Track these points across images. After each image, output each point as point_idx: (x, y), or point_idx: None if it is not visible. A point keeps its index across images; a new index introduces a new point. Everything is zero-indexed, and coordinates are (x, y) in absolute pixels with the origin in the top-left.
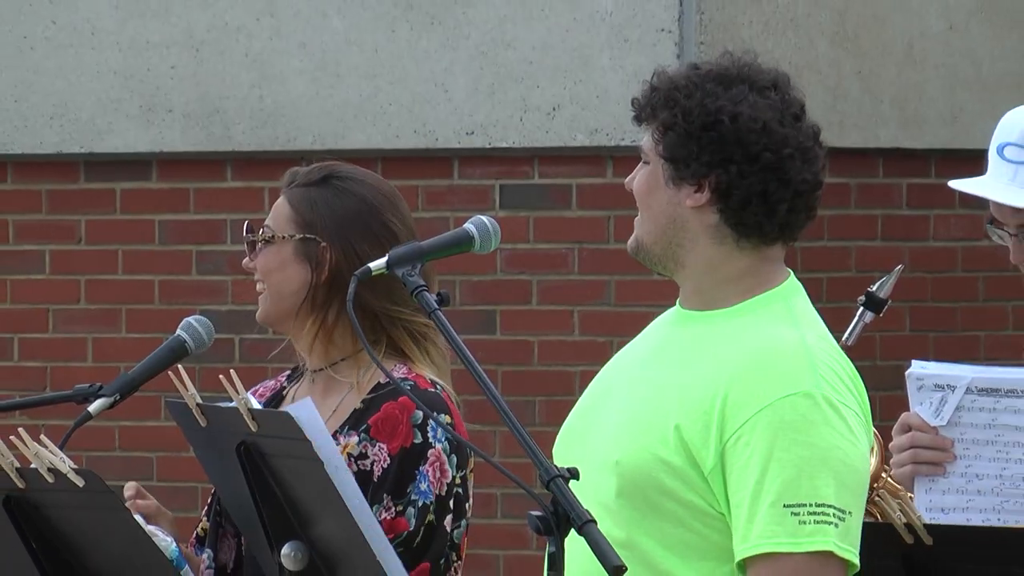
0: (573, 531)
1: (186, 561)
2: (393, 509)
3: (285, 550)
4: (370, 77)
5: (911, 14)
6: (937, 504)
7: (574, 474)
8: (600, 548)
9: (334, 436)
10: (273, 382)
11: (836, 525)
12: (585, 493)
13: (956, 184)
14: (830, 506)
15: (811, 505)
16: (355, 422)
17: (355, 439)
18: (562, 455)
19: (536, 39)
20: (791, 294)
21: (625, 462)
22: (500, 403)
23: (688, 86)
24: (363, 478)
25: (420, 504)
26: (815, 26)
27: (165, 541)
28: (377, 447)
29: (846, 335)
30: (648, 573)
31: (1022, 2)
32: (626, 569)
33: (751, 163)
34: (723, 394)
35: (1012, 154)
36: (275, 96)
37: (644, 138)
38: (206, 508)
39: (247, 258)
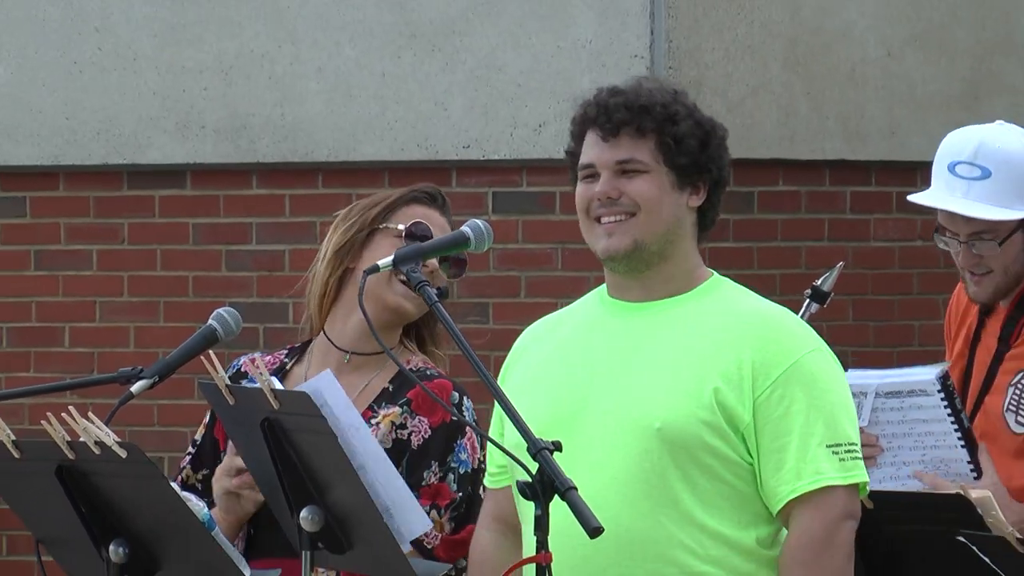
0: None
1: (216, 524)
2: (438, 474)
3: (304, 513)
4: (378, 98)
5: (854, 42)
6: (877, 489)
7: (558, 447)
8: (580, 511)
9: (372, 407)
10: (271, 357)
11: (860, 458)
12: (604, 469)
13: (916, 198)
14: (853, 443)
15: (846, 444)
16: (391, 397)
17: (397, 410)
18: (557, 434)
19: (524, 64)
20: (729, 282)
21: (668, 428)
22: (492, 384)
23: (678, 106)
24: (400, 446)
25: (461, 472)
26: (769, 52)
27: (197, 506)
28: (417, 419)
29: (802, 311)
30: (684, 524)
31: (949, 32)
32: (603, 530)
33: (723, 171)
34: (749, 358)
35: (964, 171)
36: (295, 114)
37: (632, 148)
38: (190, 458)
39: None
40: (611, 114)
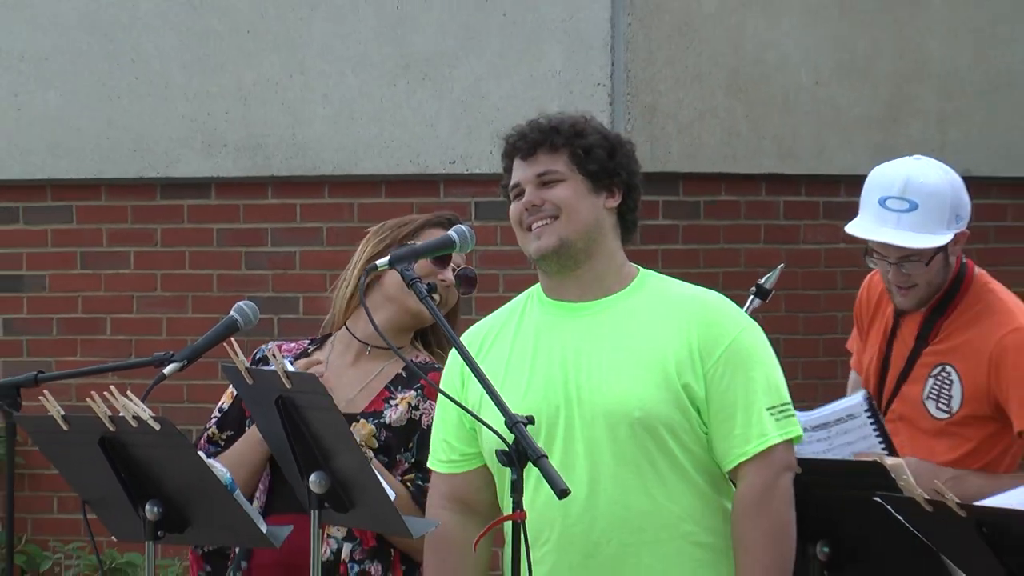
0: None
1: (237, 486)
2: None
3: (312, 478)
4: (377, 120)
5: (788, 72)
6: (807, 457)
7: (531, 420)
8: (550, 476)
9: (389, 388)
10: (295, 344)
11: (792, 415)
12: (590, 450)
13: (852, 229)
14: (787, 403)
15: (780, 405)
16: (406, 382)
17: (412, 394)
18: (543, 433)
19: (503, 92)
20: (654, 274)
21: (647, 415)
22: (475, 366)
23: (585, 125)
24: (412, 425)
25: None
26: (715, 81)
27: (221, 471)
28: (428, 403)
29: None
30: (673, 496)
31: (871, 63)
32: (569, 492)
33: (633, 176)
34: (696, 340)
35: (894, 205)
36: (304, 134)
37: (548, 162)
38: (216, 420)
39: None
40: (527, 138)
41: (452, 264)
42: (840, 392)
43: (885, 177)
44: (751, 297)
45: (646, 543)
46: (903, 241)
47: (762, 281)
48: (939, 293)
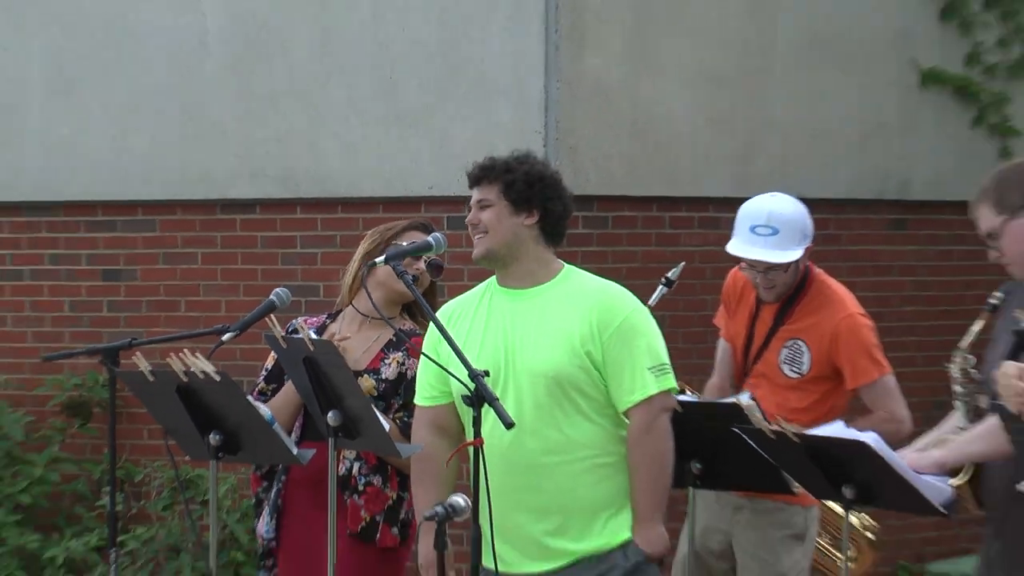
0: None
1: (276, 422)
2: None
3: (330, 415)
4: (377, 157)
5: (673, 122)
6: (684, 400)
7: (487, 373)
8: (500, 413)
9: (384, 350)
10: (317, 319)
11: (669, 372)
12: (518, 397)
13: (732, 250)
14: (665, 364)
15: (659, 365)
16: (396, 346)
17: (400, 355)
18: (493, 383)
19: (467, 136)
20: (576, 270)
21: (558, 374)
22: (445, 333)
23: (515, 163)
24: (401, 377)
25: None
26: (621, 129)
27: (264, 411)
28: (411, 361)
29: (651, 301)
30: (580, 430)
31: (731, 116)
32: (514, 424)
33: (555, 201)
34: (595, 319)
35: (761, 231)
36: (322, 167)
37: (485, 192)
38: (264, 377)
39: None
40: (474, 173)
41: (424, 257)
42: (707, 350)
43: (753, 210)
44: (660, 286)
45: (559, 463)
46: (769, 258)
47: (669, 274)
48: (791, 289)
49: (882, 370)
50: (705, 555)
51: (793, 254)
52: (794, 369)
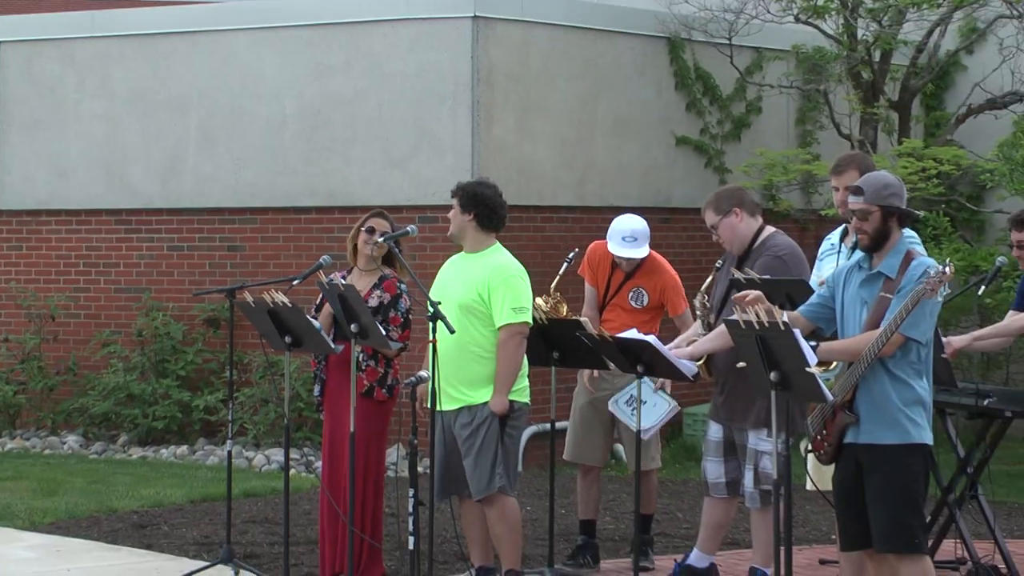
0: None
1: (322, 328)
2: (393, 312)
3: (352, 326)
4: (378, 184)
5: (538, 166)
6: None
7: (441, 302)
8: (447, 326)
9: (371, 289)
10: (343, 273)
11: (525, 312)
12: (451, 315)
13: (613, 251)
14: (524, 306)
15: (520, 307)
16: (376, 286)
17: (378, 291)
18: (443, 306)
19: (430, 173)
20: (500, 248)
21: (465, 304)
22: (418, 282)
23: (472, 188)
24: (380, 304)
25: (402, 311)
26: (511, 170)
27: (315, 323)
28: (385, 294)
29: (556, 280)
30: (478, 335)
31: (573, 159)
32: (454, 331)
33: (477, 207)
34: (489, 277)
35: (628, 240)
36: (349, 189)
37: (455, 203)
38: (315, 306)
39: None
40: (453, 191)
41: (378, 234)
42: (576, 287)
43: (621, 226)
44: (565, 263)
45: (463, 356)
46: (636, 255)
47: (571, 256)
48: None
49: (685, 306)
50: (598, 404)
51: (645, 251)
52: (637, 304)
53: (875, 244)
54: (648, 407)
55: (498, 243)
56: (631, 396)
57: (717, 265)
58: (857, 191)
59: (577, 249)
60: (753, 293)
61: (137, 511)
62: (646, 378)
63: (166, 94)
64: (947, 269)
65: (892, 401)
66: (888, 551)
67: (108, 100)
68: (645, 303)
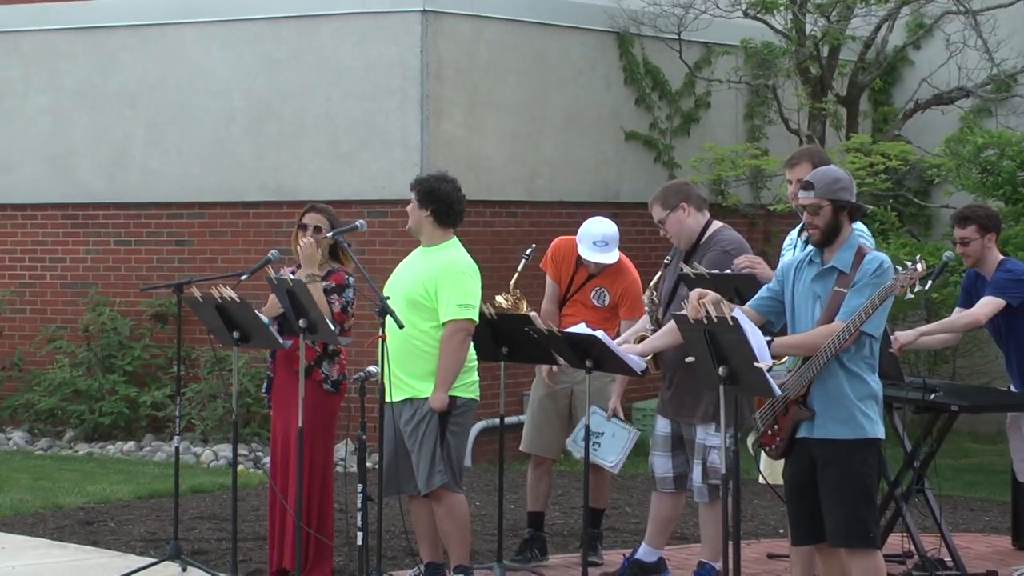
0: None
1: (270, 322)
2: (338, 303)
3: (301, 321)
4: (328, 178)
5: (492, 161)
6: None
7: (390, 296)
8: (396, 319)
9: (322, 280)
10: (292, 268)
11: (471, 308)
12: (398, 308)
13: (584, 255)
14: (471, 303)
15: (466, 304)
16: (325, 277)
17: (326, 282)
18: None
19: (379, 168)
20: (456, 243)
21: (411, 297)
22: (367, 276)
23: (427, 183)
24: (326, 291)
25: (347, 299)
26: (462, 166)
27: (263, 318)
28: (335, 285)
29: (515, 277)
30: (421, 326)
31: (521, 155)
32: (403, 326)
33: (438, 203)
34: (437, 272)
35: (599, 244)
36: (298, 183)
37: (413, 198)
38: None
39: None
40: (412, 184)
41: (311, 229)
42: (506, 272)
43: (593, 230)
44: (523, 260)
45: (409, 348)
46: (606, 260)
47: (527, 252)
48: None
49: (642, 312)
50: (556, 396)
51: (615, 255)
52: (599, 303)
53: (826, 239)
54: (608, 438)
55: (455, 238)
56: (584, 429)
57: (665, 261)
58: (807, 186)
59: (535, 245)
60: (713, 295)
61: (83, 508)
62: (595, 408)
63: (113, 88)
64: (918, 267)
65: (847, 396)
66: (843, 545)
67: (55, 94)
68: (606, 303)
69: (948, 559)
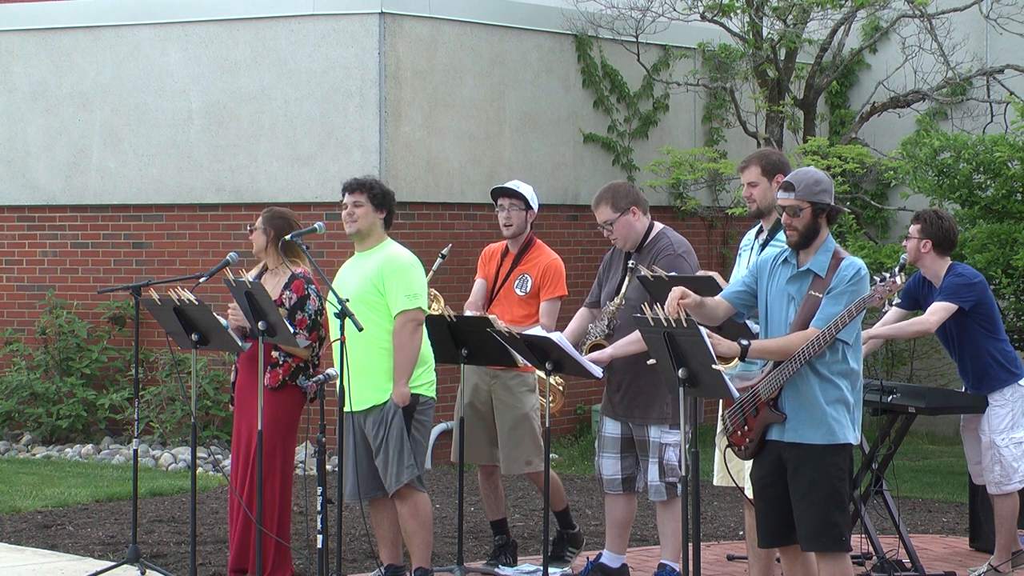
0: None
1: (230, 326)
2: (300, 314)
3: (260, 324)
4: (286, 179)
5: (445, 163)
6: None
7: (349, 299)
8: (354, 322)
9: (283, 291)
10: (257, 270)
11: (418, 299)
12: (356, 309)
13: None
14: (417, 294)
15: (412, 295)
16: (287, 285)
17: (289, 292)
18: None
19: (336, 170)
20: (391, 241)
21: (363, 298)
22: (326, 279)
23: (372, 184)
24: (289, 304)
25: (310, 312)
26: (419, 167)
27: (224, 323)
28: (295, 296)
29: (433, 267)
30: (378, 324)
31: (481, 157)
32: (363, 329)
33: (382, 205)
34: (382, 268)
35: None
36: (256, 186)
37: (358, 197)
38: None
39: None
40: (351, 185)
41: (257, 232)
42: (465, 275)
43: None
44: (439, 259)
45: (368, 347)
46: (512, 186)
47: (444, 252)
48: (520, 246)
49: (559, 293)
50: (478, 404)
51: (520, 184)
52: (521, 291)
53: (804, 241)
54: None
55: (389, 238)
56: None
57: (631, 265)
58: (788, 187)
59: (451, 244)
60: (693, 298)
61: (41, 511)
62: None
63: (69, 89)
64: (897, 280)
65: (819, 401)
66: (815, 549)
67: (9, 95)
68: (528, 288)
69: (906, 560)
